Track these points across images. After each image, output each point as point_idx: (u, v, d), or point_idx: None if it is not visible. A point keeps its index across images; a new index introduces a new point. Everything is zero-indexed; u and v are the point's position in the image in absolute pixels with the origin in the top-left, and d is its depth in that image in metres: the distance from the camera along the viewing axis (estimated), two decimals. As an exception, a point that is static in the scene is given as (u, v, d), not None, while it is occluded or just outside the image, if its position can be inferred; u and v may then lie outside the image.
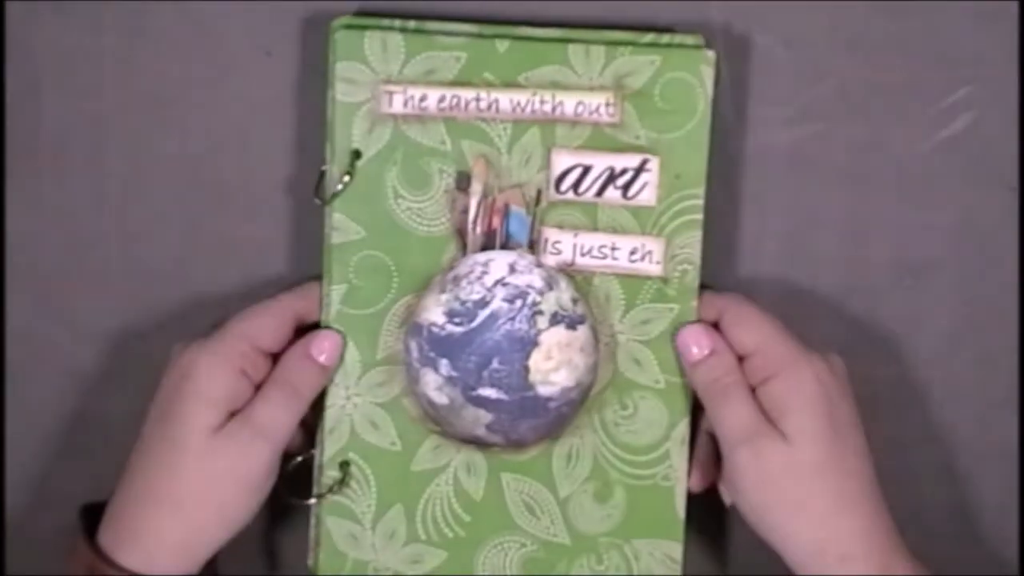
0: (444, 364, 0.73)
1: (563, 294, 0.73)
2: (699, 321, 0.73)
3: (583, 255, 0.73)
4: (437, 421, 0.74)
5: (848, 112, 0.76)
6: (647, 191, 0.73)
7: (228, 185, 0.76)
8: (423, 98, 0.72)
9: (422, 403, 0.73)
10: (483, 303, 0.72)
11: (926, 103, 0.76)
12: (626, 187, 0.73)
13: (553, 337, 0.73)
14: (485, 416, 0.73)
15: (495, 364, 0.72)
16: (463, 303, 0.72)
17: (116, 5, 0.75)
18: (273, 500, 0.72)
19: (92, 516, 0.71)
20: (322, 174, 0.73)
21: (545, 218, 0.73)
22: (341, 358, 0.73)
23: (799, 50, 0.76)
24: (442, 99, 0.72)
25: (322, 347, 0.72)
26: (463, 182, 0.73)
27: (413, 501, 0.74)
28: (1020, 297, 0.77)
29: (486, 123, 0.72)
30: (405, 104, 0.72)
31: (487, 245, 0.73)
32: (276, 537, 0.79)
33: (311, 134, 0.74)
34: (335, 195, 0.72)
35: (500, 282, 0.72)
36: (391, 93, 0.72)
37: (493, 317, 0.72)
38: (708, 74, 0.72)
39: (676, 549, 0.75)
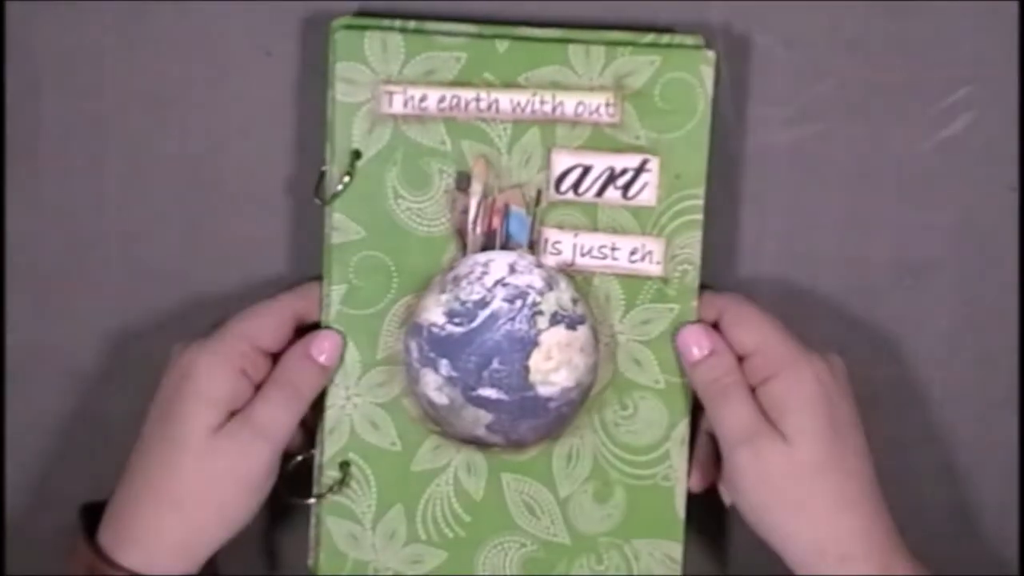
0: (444, 364, 0.73)
1: (563, 294, 0.73)
2: (699, 321, 0.73)
3: (583, 255, 0.73)
4: (437, 421, 0.74)
5: (848, 112, 0.76)
6: (647, 191, 0.73)
7: (228, 185, 0.76)
8: (423, 98, 0.72)
9: (422, 403, 0.73)
10: (483, 303, 0.72)
11: (926, 103, 0.76)
12: (626, 187, 0.73)
13: (553, 337, 0.73)
14: (485, 416, 0.73)
15: (495, 364, 0.73)
16: (463, 303, 0.72)
17: (116, 5, 0.75)
18: (273, 500, 0.72)
19: (92, 516, 0.71)
20: (322, 174, 0.73)
21: (545, 218, 0.73)
22: (341, 358, 0.73)
23: (799, 50, 0.76)
24: (442, 99, 0.72)
25: (322, 347, 0.72)
26: (463, 182, 0.73)
27: (413, 501, 0.74)
28: (1020, 297, 0.77)
29: (486, 123, 0.72)
30: (405, 104, 0.72)
31: (487, 245, 0.73)
32: (276, 537, 0.79)
33: (311, 134, 0.74)
34: (335, 195, 0.72)
35: (500, 282, 0.72)
36: (391, 93, 0.72)
37: (493, 317, 0.72)
38: (708, 74, 0.72)
39: (676, 549, 0.75)
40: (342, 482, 0.74)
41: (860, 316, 0.77)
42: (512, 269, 0.73)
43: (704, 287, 0.74)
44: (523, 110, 0.72)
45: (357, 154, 0.72)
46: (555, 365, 0.73)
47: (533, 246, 0.73)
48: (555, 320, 0.73)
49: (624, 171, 0.73)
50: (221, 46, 0.76)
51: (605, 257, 0.73)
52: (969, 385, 0.78)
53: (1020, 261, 0.77)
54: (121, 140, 0.76)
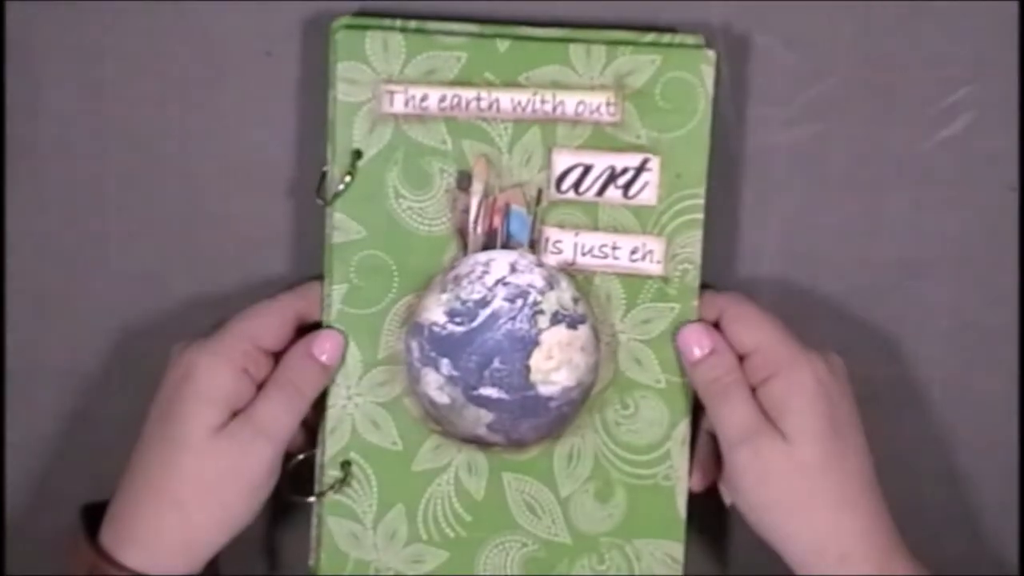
0: (445, 364, 0.73)
1: (564, 293, 0.73)
2: (699, 320, 0.73)
3: (584, 254, 0.73)
4: (438, 421, 0.74)
5: (848, 112, 0.76)
6: (648, 190, 0.73)
7: (228, 185, 0.76)
8: (424, 98, 0.72)
9: (423, 403, 0.73)
10: (484, 303, 0.72)
11: (926, 103, 0.76)
12: (627, 186, 0.73)
13: (554, 336, 0.73)
14: (486, 416, 0.73)
15: (496, 364, 0.73)
16: (464, 303, 0.72)
17: (116, 5, 0.75)
18: (274, 500, 0.72)
19: (93, 516, 0.71)
20: (323, 174, 0.73)
21: (546, 217, 0.73)
22: (342, 358, 0.73)
23: (799, 50, 0.76)
24: (443, 99, 0.72)
25: (323, 347, 0.72)
26: (464, 182, 0.73)
27: (414, 501, 0.74)
28: (1020, 297, 0.77)
29: (487, 123, 0.72)
30: (406, 104, 0.72)
31: (488, 245, 0.73)
32: (277, 537, 0.79)
33: (311, 134, 0.74)
34: (336, 195, 0.72)
35: (501, 281, 0.72)
36: (392, 93, 0.72)
37: (494, 317, 0.72)
38: (708, 74, 0.72)
39: (677, 549, 0.75)
40: (343, 481, 0.74)
41: (860, 316, 0.77)
42: (513, 268, 0.73)
43: (704, 286, 0.74)
44: (524, 109, 0.72)
45: (358, 154, 0.72)
46: (556, 364, 0.73)
47: (534, 245, 0.73)
48: (556, 319, 0.73)
49: (625, 170, 0.73)
50: (221, 46, 0.76)
51: (606, 256, 0.73)
52: (969, 385, 0.78)
53: (1020, 261, 0.77)
54: (121, 140, 0.76)
